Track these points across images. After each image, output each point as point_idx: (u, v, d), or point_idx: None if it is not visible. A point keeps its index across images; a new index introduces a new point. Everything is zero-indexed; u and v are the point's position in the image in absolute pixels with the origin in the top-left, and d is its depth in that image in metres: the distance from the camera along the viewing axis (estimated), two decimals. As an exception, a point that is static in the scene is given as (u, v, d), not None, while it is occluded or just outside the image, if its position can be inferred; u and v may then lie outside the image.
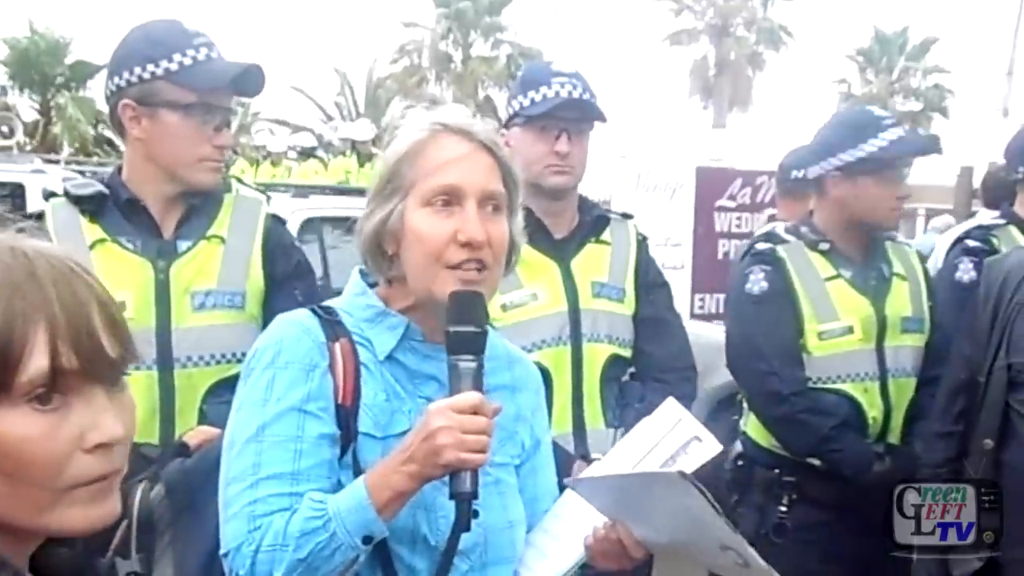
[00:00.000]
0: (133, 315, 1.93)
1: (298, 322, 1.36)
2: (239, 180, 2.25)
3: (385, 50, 32.93)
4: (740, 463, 2.61)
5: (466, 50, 30.94)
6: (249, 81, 2.02)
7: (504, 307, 2.22)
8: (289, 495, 1.27)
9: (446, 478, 1.26)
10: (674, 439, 1.42)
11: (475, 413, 1.24)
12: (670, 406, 1.48)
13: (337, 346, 1.34)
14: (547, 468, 1.51)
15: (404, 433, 1.31)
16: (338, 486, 1.29)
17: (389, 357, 1.36)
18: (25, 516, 0.82)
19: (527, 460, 1.46)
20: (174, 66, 1.94)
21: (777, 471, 2.50)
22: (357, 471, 1.30)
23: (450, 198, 1.33)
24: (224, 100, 2.01)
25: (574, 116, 2.26)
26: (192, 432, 1.76)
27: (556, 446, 2.05)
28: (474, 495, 1.25)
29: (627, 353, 2.30)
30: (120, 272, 1.94)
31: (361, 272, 1.44)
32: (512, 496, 1.41)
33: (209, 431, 1.61)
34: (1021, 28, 15.96)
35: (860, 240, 2.54)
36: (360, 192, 5.12)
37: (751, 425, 2.61)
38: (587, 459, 2.18)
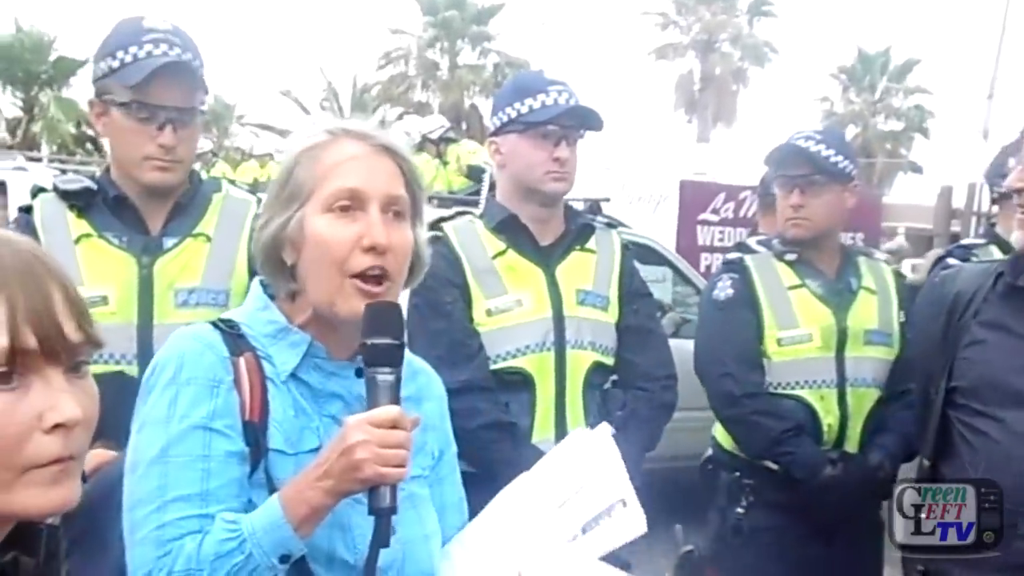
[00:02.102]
0: (115, 310, 1.93)
1: (200, 336, 1.31)
2: (230, 181, 2.25)
3: (371, 56, 32.88)
4: (709, 466, 2.70)
5: (453, 58, 30.99)
6: (183, 76, 1.95)
7: (489, 312, 2.23)
8: (199, 517, 1.22)
9: (360, 495, 1.23)
10: (600, 493, 1.36)
11: (394, 427, 1.21)
12: (604, 434, 1.42)
13: (241, 360, 1.29)
14: (452, 476, 1.49)
15: (316, 450, 1.28)
16: (250, 505, 1.25)
17: (293, 375, 1.32)
18: None
19: (433, 469, 1.44)
20: (116, 63, 1.94)
21: (738, 474, 2.58)
22: (271, 488, 1.25)
23: (351, 202, 1.28)
24: (167, 98, 1.94)
25: (572, 123, 2.29)
26: (89, 455, 1.71)
27: (537, 451, 2.07)
28: (393, 510, 1.22)
29: (610, 361, 2.31)
30: (104, 267, 1.94)
31: (262, 283, 1.38)
32: (426, 508, 1.39)
33: (104, 454, 1.54)
34: (1003, 52, 16.20)
35: (831, 253, 2.64)
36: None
37: (718, 430, 2.70)
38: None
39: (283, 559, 1.20)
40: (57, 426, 0.83)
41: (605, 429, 1.47)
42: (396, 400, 1.24)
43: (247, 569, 1.19)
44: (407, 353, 1.42)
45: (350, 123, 1.35)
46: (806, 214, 2.55)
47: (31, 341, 0.82)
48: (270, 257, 1.33)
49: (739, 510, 2.54)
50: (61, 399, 0.83)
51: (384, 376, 1.24)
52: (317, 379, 1.33)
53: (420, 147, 10.13)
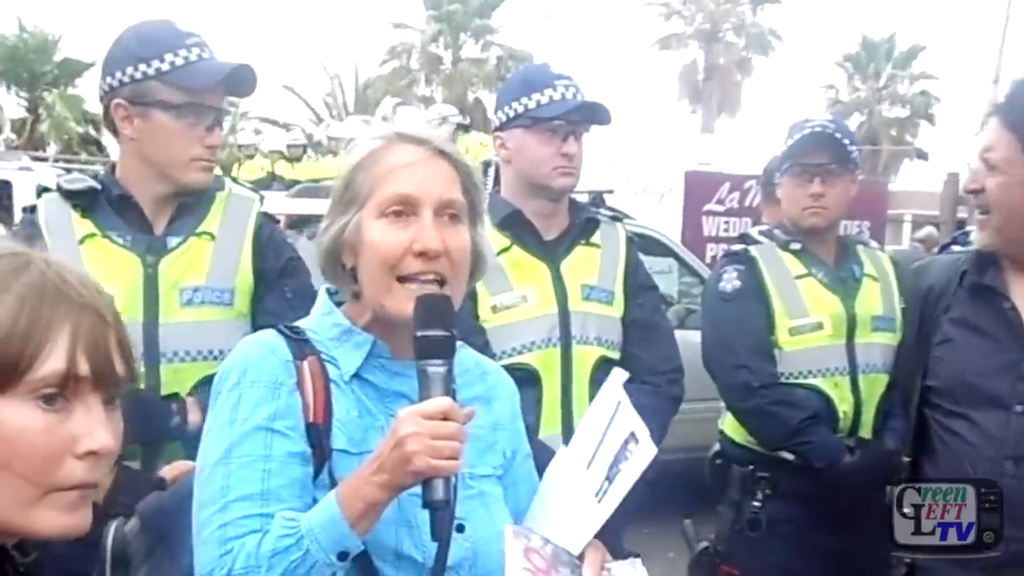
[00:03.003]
0: (121, 309, 1.92)
1: (263, 342, 1.33)
2: (233, 179, 2.25)
3: (374, 51, 32.89)
4: (718, 461, 2.68)
5: (456, 52, 30.95)
6: (240, 81, 2.02)
7: (494, 308, 2.22)
8: (260, 516, 1.23)
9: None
10: (616, 433, 1.40)
11: (445, 419, 1.20)
12: (616, 378, 1.46)
13: (305, 364, 1.31)
14: (528, 479, 1.48)
15: None
16: (314, 505, 1.25)
17: (357, 375, 1.34)
18: (3, 511, 0.85)
19: (508, 469, 1.44)
20: (166, 66, 1.94)
21: (752, 467, 2.57)
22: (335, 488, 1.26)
23: (404, 207, 1.30)
24: (215, 100, 2.01)
25: (579, 118, 2.28)
26: (169, 466, 1.75)
27: (543, 446, 2.06)
28: (447, 503, 1.21)
29: (616, 355, 2.31)
30: (109, 266, 1.95)
31: (328, 291, 1.42)
32: (498, 507, 1.39)
33: (186, 464, 1.57)
34: (1007, 36, 16.11)
35: (831, 242, 2.64)
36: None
37: (727, 423, 2.68)
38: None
39: (341, 556, 1.20)
40: (90, 453, 0.87)
41: (619, 374, 1.48)
42: (447, 392, 1.23)
43: (305, 566, 1.19)
44: (475, 353, 1.47)
45: (407, 127, 1.37)
46: (825, 203, 2.55)
47: (84, 369, 0.87)
48: (331, 260, 1.36)
49: (756, 503, 2.53)
50: (99, 428, 0.88)
51: (435, 368, 1.23)
52: (382, 379, 1.35)
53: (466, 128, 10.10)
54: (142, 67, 1.95)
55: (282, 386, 1.29)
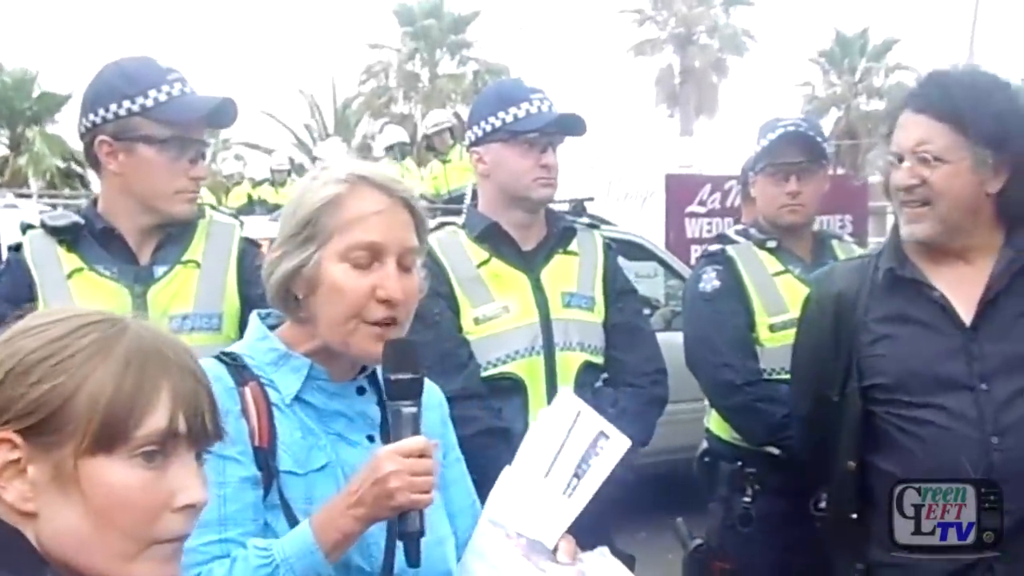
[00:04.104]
0: None
1: (206, 369, 1.37)
2: (212, 207, 2.29)
3: (351, 72, 32.94)
4: (706, 459, 2.71)
5: (433, 68, 31.02)
6: (223, 114, 2.07)
7: (476, 320, 2.27)
8: (220, 542, 1.28)
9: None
10: (580, 437, 1.45)
11: (421, 456, 1.29)
12: (566, 398, 1.51)
13: (247, 390, 1.35)
14: (461, 481, 1.55)
15: (324, 467, 1.36)
16: (265, 527, 1.32)
17: (297, 398, 1.38)
18: (104, 564, 0.89)
19: (441, 475, 1.47)
20: (150, 102, 1.98)
21: (740, 463, 2.60)
22: (285, 509, 1.33)
23: (370, 254, 1.35)
24: (198, 133, 2.06)
25: (555, 131, 2.33)
26: None
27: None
28: (422, 533, 1.30)
29: (599, 360, 2.35)
30: (98, 299, 1.98)
31: (259, 316, 1.45)
32: (437, 513, 1.43)
33: None
34: (978, 22, 16.32)
35: (807, 238, 2.69)
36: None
37: (713, 421, 2.71)
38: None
39: None
40: (187, 507, 0.91)
41: (563, 393, 1.53)
42: (418, 430, 1.32)
43: None
44: None
45: (368, 169, 1.40)
46: (802, 200, 2.61)
47: (182, 426, 0.92)
48: (281, 289, 1.39)
49: (745, 499, 2.56)
50: (193, 483, 0.92)
51: (408, 408, 1.32)
52: (321, 400, 1.40)
53: (404, 153, 10.11)
54: (126, 103, 1.99)
55: (228, 413, 1.31)
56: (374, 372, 1.44)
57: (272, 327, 1.44)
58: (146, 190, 2.02)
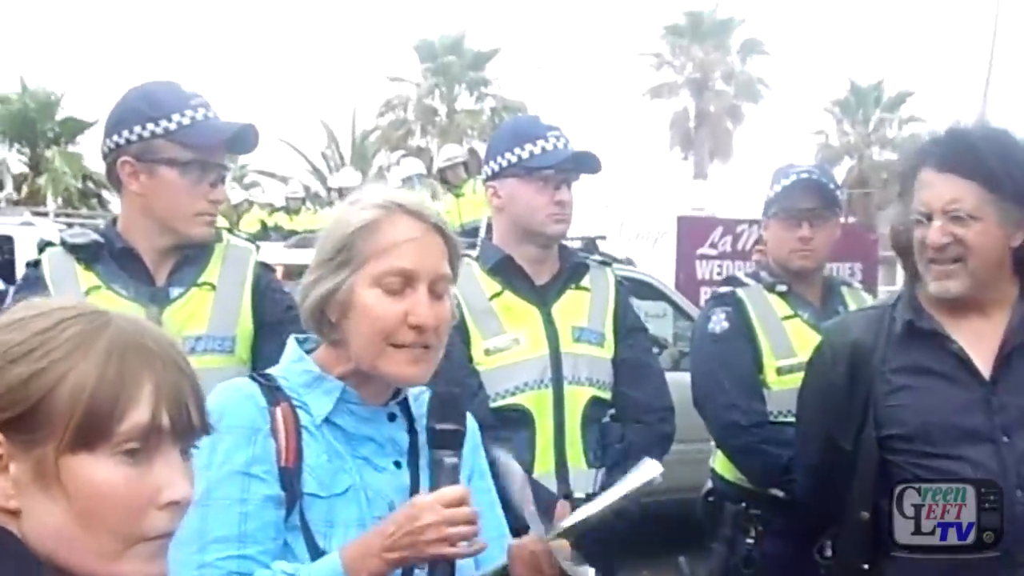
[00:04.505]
0: None
1: (239, 388, 1.39)
2: (229, 231, 2.32)
3: (371, 104, 33.26)
4: (710, 498, 2.70)
5: (451, 104, 31.32)
6: (244, 140, 2.12)
7: (487, 352, 2.28)
8: (238, 558, 1.29)
9: None
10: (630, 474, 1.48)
11: (460, 504, 1.30)
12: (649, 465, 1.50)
13: (278, 410, 1.37)
14: (491, 512, 1.53)
15: (348, 491, 1.37)
16: (284, 547, 1.33)
17: (327, 420, 1.39)
18: (89, 562, 0.88)
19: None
20: (173, 125, 2.02)
21: (744, 504, 2.59)
22: (305, 530, 1.34)
23: (403, 280, 1.36)
24: (219, 157, 2.10)
25: (570, 167, 2.36)
26: None
27: (539, 485, 2.10)
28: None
29: (607, 395, 2.36)
30: None
31: (296, 340, 1.47)
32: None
33: None
34: (992, 79, 16.42)
35: (817, 283, 2.71)
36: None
37: (719, 461, 2.71)
38: (569, 498, 2.24)
39: None
40: (172, 503, 0.90)
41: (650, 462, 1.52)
42: (458, 480, 1.36)
43: None
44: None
45: (403, 197, 1.42)
46: (813, 246, 2.63)
47: (166, 421, 0.89)
48: (316, 313, 1.41)
49: (749, 540, 2.55)
50: (179, 478, 0.91)
51: (450, 459, 1.36)
52: (351, 423, 1.41)
53: (421, 184, 10.17)
54: (150, 126, 2.02)
55: (259, 431, 1.35)
56: (406, 399, 1.46)
57: (309, 351, 1.46)
58: (166, 211, 2.05)
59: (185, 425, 0.91)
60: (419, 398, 1.47)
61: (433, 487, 1.33)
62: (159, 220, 2.06)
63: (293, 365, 1.44)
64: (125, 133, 2.04)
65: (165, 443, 0.90)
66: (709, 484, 2.75)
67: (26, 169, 22.03)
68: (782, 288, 2.66)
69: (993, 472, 1.85)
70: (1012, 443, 1.87)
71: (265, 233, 10.60)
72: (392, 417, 1.44)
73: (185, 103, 2.05)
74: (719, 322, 2.65)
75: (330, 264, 1.39)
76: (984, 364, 1.93)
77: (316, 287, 1.40)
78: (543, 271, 2.39)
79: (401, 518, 1.30)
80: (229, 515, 1.31)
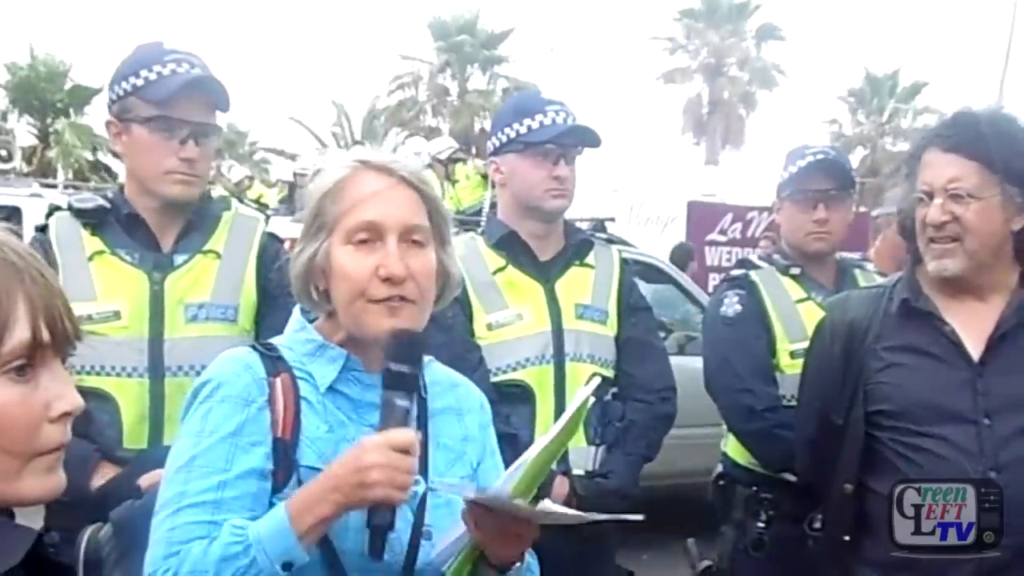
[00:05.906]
0: (127, 324, 1.99)
1: (239, 358, 1.39)
2: (239, 199, 2.31)
3: (382, 81, 33.18)
4: (721, 482, 2.69)
5: (463, 83, 31.22)
6: (207, 93, 2.03)
7: (490, 326, 2.28)
8: (208, 523, 1.28)
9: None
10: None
11: (406, 452, 1.26)
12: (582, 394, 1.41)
13: (278, 381, 1.36)
14: (495, 474, 1.50)
15: None
16: None
17: (331, 388, 1.39)
18: None
19: (475, 479, 1.48)
20: (140, 81, 2.00)
21: (755, 488, 2.57)
22: None
23: (370, 234, 1.36)
24: (188, 113, 2.00)
25: (570, 142, 2.35)
26: (147, 474, 1.78)
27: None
28: (392, 526, 1.28)
29: (609, 373, 2.35)
30: (116, 283, 2.00)
31: (302, 309, 1.47)
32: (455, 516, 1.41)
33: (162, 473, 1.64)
34: (1008, 72, 16.27)
35: (829, 266, 2.68)
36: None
37: (730, 445, 2.69)
38: (568, 474, 2.25)
39: (286, 566, 1.25)
40: (64, 415, 0.89)
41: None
42: (407, 424, 1.31)
43: (251, 574, 1.24)
44: (446, 368, 1.52)
45: (372, 154, 1.42)
46: (829, 227, 2.60)
47: (46, 334, 0.88)
48: (304, 283, 1.41)
49: (759, 524, 2.53)
50: (67, 390, 0.90)
51: (401, 401, 1.31)
52: (356, 390, 1.40)
53: (427, 166, 10.32)
54: (124, 84, 2.02)
55: (252, 403, 1.34)
56: None
57: (312, 321, 1.45)
58: (140, 170, 2.03)
59: (63, 336, 0.90)
60: (429, 365, 1.46)
61: (382, 428, 1.29)
62: (139, 180, 2.05)
63: (296, 334, 1.44)
64: (111, 94, 2.05)
65: (48, 356, 0.89)
66: (720, 467, 2.72)
67: (36, 141, 22.05)
68: (796, 271, 2.63)
69: (971, 453, 1.86)
70: (993, 426, 1.88)
71: (262, 209, 10.61)
72: None
73: (158, 59, 2.00)
74: (732, 305, 2.61)
75: (307, 233, 1.40)
76: (975, 347, 1.94)
77: (299, 258, 1.41)
78: (547, 247, 2.38)
79: (347, 457, 1.28)
80: (208, 481, 1.30)
